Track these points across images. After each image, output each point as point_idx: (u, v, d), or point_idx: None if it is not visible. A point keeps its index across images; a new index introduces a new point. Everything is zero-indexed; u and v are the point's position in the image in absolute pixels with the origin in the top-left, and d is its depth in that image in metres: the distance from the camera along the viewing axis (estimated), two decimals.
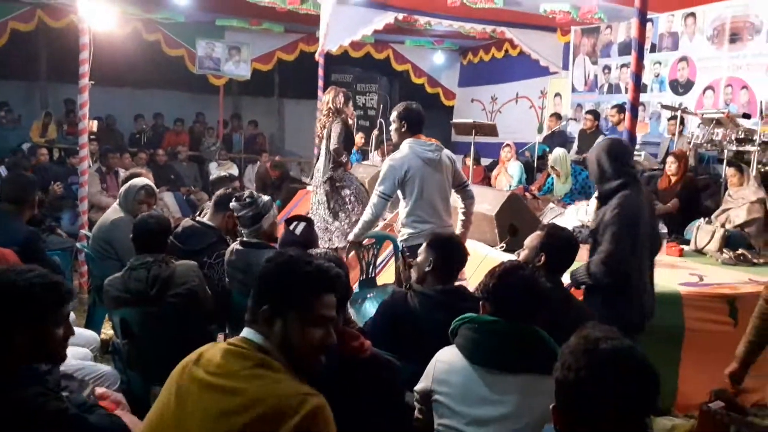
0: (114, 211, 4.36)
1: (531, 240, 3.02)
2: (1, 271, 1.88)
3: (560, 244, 2.97)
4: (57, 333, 1.86)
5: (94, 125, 6.30)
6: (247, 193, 3.71)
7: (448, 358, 2.13)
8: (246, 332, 1.72)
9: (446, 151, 4.18)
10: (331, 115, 5.47)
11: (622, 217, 3.05)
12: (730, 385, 2.75)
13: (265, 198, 3.70)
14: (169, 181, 9.18)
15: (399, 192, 4.07)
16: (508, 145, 8.30)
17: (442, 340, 2.21)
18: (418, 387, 2.18)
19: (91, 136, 6.60)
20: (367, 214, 4.13)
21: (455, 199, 4.29)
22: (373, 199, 4.07)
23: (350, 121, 5.57)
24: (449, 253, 2.81)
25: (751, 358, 2.73)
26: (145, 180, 4.53)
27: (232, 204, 3.66)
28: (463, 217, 4.28)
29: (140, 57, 10.92)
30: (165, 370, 1.78)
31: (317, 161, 5.68)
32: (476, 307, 2.25)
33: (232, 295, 3.50)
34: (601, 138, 3.73)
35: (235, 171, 10.38)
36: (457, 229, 4.22)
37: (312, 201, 5.65)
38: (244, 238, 3.57)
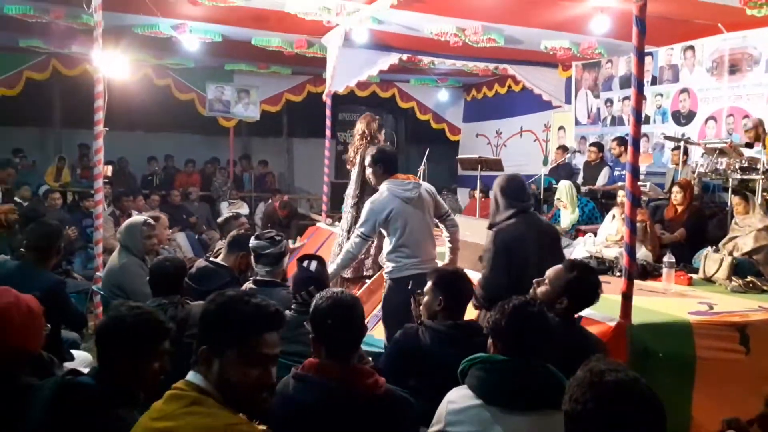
0: (120, 255, 4.36)
1: (557, 277, 2.86)
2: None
3: (586, 288, 2.88)
4: (153, 366, 2.06)
5: (109, 170, 6.45)
6: (272, 233, 3.80)
7: (459, 398, 2.16)
8: (189, 374, 1.79)
9: (425, 186, 4.33)
10: (364, 141, 5.57)
11: (497, 245, 3.53)
12: (760, 429, 2.69)
13: (286, 239, 3.80)
14: (182, 222, 9.31)
15: (383, 230, 4.21)
16: None
17: (455, 376, 2.25)
18: (431, 430, 2.20)
19: (105, 180, 6.74)
20: (346, 253, 4.23)
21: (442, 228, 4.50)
22: (354, 239, 4.19)
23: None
24: (457, 289, 2.87)
25: None
26: (141, 216, 4.59)
27: (254, 243, 3.71)
28: (450, 245, 4.48)
29: (151, 101, 11.16)
30: None
31: (349, 188, 5.74)
32: (486, 342, 2.29)
33: None
34: (501, 175, 3.99)
35: (245, 210, 10.51)
36: (446, 257, 4.41)
37: (340, 227, 5.71)
38: (258, 278, 3.64)
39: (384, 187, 4.18)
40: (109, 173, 6.55)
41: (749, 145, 6.54)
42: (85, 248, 7.17)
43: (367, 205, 4.22)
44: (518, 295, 2.91)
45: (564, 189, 7.16)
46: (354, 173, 5.68)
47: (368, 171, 4.34)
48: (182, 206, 9.90)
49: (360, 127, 5.67)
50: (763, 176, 6.02)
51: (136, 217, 4.58)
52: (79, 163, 11.06)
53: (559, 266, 2.93)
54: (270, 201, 10.60)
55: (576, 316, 3.82)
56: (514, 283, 3.28)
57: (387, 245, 4.24)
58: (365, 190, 5.41)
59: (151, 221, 4.51)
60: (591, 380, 1.38)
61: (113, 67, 6.12)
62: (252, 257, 3.76)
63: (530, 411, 2.04)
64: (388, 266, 4.22)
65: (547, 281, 2.91)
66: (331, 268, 4.13)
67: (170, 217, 7.38)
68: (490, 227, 3.71)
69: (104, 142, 6.02)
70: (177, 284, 3.36)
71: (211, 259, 4.12)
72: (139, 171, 11.94)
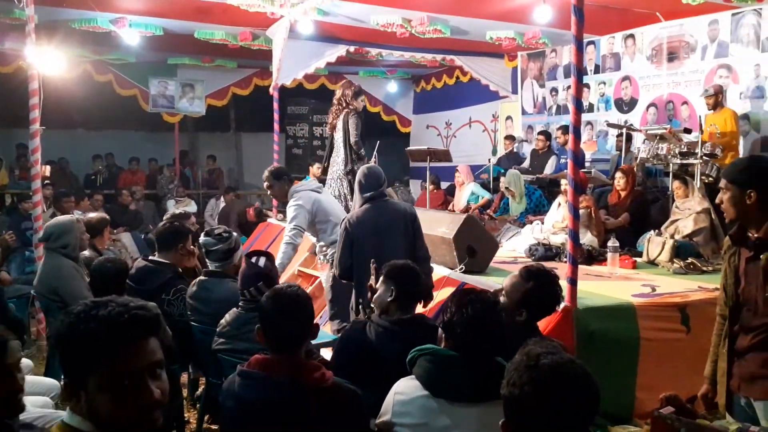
0: (50, 259, 4.20)
1: (515, 290, 2.75)
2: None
3: (543, 295, 2.78)
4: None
5: (47, 170, 6.22)
6: (220, 229, 3.78)
7: (406, 389, 2.16)
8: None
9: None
10: (340, 106, 6.06)
11: (342, 230, 4.12)
12: (703, 407, 2.78)
13: (235, 235, 3.82)
14: (130, 222, 9.08)
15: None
16: (457, 170, 8.50)
17: (401, 370, 2.24)
18: (379, 420, 2.20)
19: (45, 181, 6.50)
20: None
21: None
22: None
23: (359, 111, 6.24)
24: (409, 280, 2.87)
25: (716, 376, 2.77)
26: (68, 216, 4.47)
27: (203, 239, 3.73)
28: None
29: (92, 98, 10.83)
30: None
31: (329, 156, 6.30)
32: (434, 336, 2.29)
33: (193, 332, 3.49)
34: (361, 168, 4.53)
35: (193, 207, 10.30)
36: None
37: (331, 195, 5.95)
38: (210, 269, 3.63)
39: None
40: (48, 173, 6.31)
41: (688, 131, 6.74)
42: (22, 251, 6.91)
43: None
44: (361, 265, 3.77)
45: (512, 177, 7.25)
46: (337, 139, 6.12)
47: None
48: (127, 205, 9.65)
49: (338, 93, 6.19)
50: (701, 160, 6.21)
51: (64, 217, 4.42)
52: (17, 164, 10.66)
53: (516, 275, 2.79)
54: (223, 199, 10.47)
55: None
56: (358, 262, 3.97)
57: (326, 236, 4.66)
58: (352, 154, 5.94)
59: (83, 217, 4.41)
60: (527, 364, 1.40)
61: (49, 63, 5.90)
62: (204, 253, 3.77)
63: (477, 402, 2.05)
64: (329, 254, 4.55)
65: (504, 293, 2.78)
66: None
67: (117, 218, 7.20)
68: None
69: (43, 141, 5.82)
70: (119, 285, 3.28)
71: (150, 257, 4.03)
72: (82, 170, 11.58)
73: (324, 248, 4.98)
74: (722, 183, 2.62)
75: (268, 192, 4.89)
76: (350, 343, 2.79)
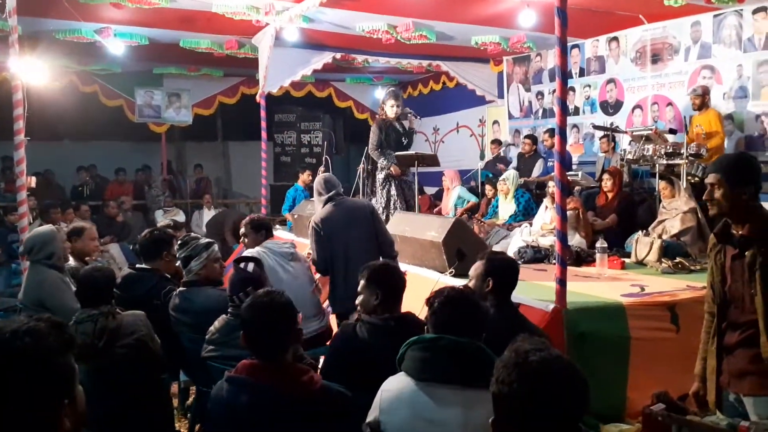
0: (35, 272, 4.08)
1: (475, 269, 3.10)
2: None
3: (503, 267, 3.08)
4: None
5: (33, 181, 6.15)
6: (184, 236, 3.77)
7: (394, 386, 2.16)
8: None
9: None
10: (378, 115, 6.42)
11: (313, 227, 4.52)
12: (695, 404, 2.79)
13: (203, 241, 3.78)
14: (118, 233, 9.03)
15: None
16: (443, 174, 8.54)
17: (394, 368, 2.25)
18: (368, 420, 2.20)
19: (29, 192, 6.43)
20: None
21: None
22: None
23: (389, 117, 6.52)
24: (393, 280, 2.89)
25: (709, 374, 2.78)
26: (47, 226, 4.42)
27: (176, 248, 3.75)
28: None
29: (77, 109, 10.79)
30: (116, 425, 1.75)
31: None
32: (423, 332, 2.30)
33: (182, 341, 3.47)
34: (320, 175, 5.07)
35: (181, 217, 10.26)
36: None
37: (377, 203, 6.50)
38: (187, 279, 3.64)
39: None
40: (33, 185, 6.25)
41: (673, 131, 6.80)
42: (9, 264, 6.85)
43: None
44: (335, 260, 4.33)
45: (512, 175, 7.37)
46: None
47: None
48: (114, 216, 9.59)
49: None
50: (687, 160, 6.26)
51: (43, 227, 4.33)
52: (3, 177, 10.57)
53: (476, 262, 3.12)
54: (213, 210, 10.46)
55: (515, 304, 3.89)
56: (332, 255, 4.41)
57: None
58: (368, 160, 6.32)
59: (61, 226, 4.38)
60: (516, 361, 1.40)
61: (33, 74, 5.86)
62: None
63: (460, 386, 2.05)
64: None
65: (470, 278, 3.08)
66: None
67: (105, 228, 7.15)
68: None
69: (28, 152, 5.76)
70: (107, 294, 3.24)
71: (137, 266, 4.02)
72: (68, 182, 11.50)
73: None
74: (713, 178, 2.61)
75: (242, 238, 4.66)
76: (342, 344, 2.79)
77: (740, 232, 2.58)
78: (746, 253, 2.53)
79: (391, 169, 6.58)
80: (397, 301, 2.87)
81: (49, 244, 4.10)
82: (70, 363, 1.44)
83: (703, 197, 2.69)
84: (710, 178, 2.63)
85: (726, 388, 2.68)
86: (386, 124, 6.58)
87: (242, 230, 4.58)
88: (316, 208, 4.78)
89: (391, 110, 6.53)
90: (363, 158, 8.60)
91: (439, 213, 8.31)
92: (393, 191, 6.61)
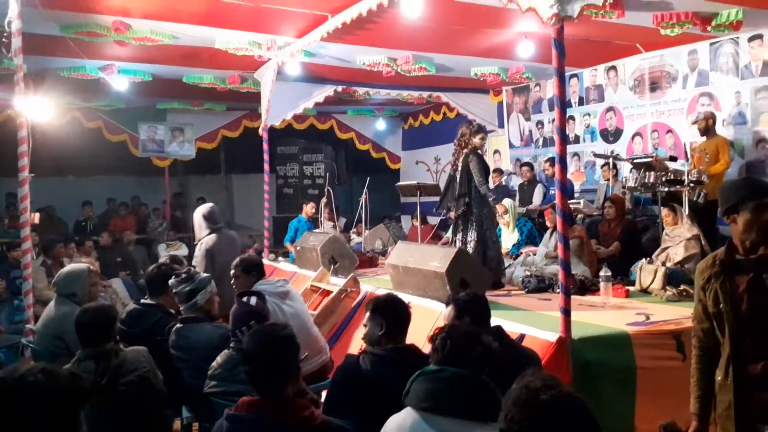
0: (58, 305, 4.20)
1: (447, 316, 3.10)
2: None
3: (471, 302, 3.10)
4: None
5: (36, 217, 6.19)
6: (184, 269, 3.76)
7: (398, 420, 2.15)
8: None
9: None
10: (461, 147, 6.08)
11: (204, 252, 5.40)
12: None
13: (204, 275, 3.79)
14: (117, 267, 9.03)
15: None
16: None
17: (398, 399, 2.23)
18: None
19: (32, 229, 6.44)
20: None
21: None
22: None
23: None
24: (397, 311, 2.88)
25: (707, 411, 2.68)
26: (83, 264, 4.46)
27: (171, 281, 3.74)
28: None
29: (81, 145, 10.87)
30: None
31: (445, 194, 6.32)
32: (428, 364, 2.29)
33: (183, 377, 3.45)
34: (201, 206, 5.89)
35: (184, 251, 10.25)
36: None
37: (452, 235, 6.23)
38: (183, 315, 3.64)
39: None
40: (37, 220, 6.28)
41: (673, 158, 6.82)
42: (11, 301, 6.83)
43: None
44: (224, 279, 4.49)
45: (508, 206, 7.31)
46: (458, 178, 6.12)
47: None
48: (117, 250, 9.60)
49: (458, 133, 6.20)
50: (688, 187, 6.27)
51: (79, 264, 4.44)
52: (7, 213, 10.61)
53: (445, 310, 3.14)
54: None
55: (519, 334, 3.87)
56: (219, 273, 4.83)
57: None
58: (472, 194, 5.96)
59: (94, 268, 4.41)
60: (526, 399, 1.38)
61: (37, 111, 5.93)
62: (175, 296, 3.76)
63: (462, 418, 2.03)
64: None
65: (445, 321, 3.05)
66: None
67: (104, 263, 7.15)
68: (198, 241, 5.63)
69: (33, 189, 5.81)
70: (105, 333, 3.21)
71: (141, 301, 4.02)
72: (71, 217, 11.53)
73: None
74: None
75: (233, 281, 4.50)
76: (344, 376, 2.77)
77: (751, 256, 2.48)
78: (764, 275, 2.44)
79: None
80: (401, 332, 2.86)
81: (74, 283, 4.20)
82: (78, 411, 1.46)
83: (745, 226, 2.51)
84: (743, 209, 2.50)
85: (757, 424, 2.52)
86: (481, 156, 6.21)
87: (232, 272, 4.43)
88: (199, 233, 5.66)
89: (480, 142, 6.14)
90: (365, 189, 8.61)
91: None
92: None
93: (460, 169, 6.08)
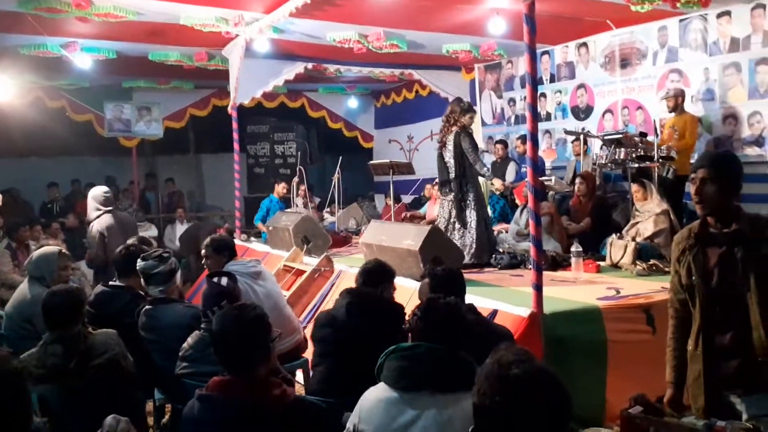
0: (30, 288, 4.11)
1: (422, 291, 3.16)
2: None
3: (448, 278, 3.15)
4: None
5: None
6: (158, 251, 3.70)
7: (372, 395, 2.15)
8: None
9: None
10: (449, 124, 5.99)
11: (99, 232, 5.65)
12: (671, 410, 2.67)
13: (171, 256, 3.75)
14: (84, 249, 8.85)
15: None
16: (432, 184, 8.54)
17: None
18: (347, 427, 2.17)
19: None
20: None
21: None
22: None
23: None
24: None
25: (682, 379, 2.72)
26: (54, 247, 4.37)
27: (141, 264, 3.66)
28: None
29: (45, 125, 10.58)
30: None
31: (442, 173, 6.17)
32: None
33: (154, 359, 3.40)
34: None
35: (153, 232, 10.11)
36: None
37: (441, 216, 6.14)
38: (153, 296, 3.58)
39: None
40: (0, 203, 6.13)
41: (643, 135, 6.88)
42: None
43: None
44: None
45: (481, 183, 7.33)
46: (447, 158, 6.04)
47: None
48: (84, 232, 9.41)
49: (447, 110, 6.12)
50: (658, 163, 6.34)
51: (50, 248, 4.34)
52: None
53: (420, 283, 3.24)
54: (186, 223, 10.33)
55: (491, 310, 3.89)
56: (109, 254, 5.16)
57: None
58: (467, 175, 5.88)
59: (66, 251, 4.32)
60: (498, 373, 1.38)
61: None
62: (142, 279, 3.69)
63: (436, 392, 2.04)
64: None
65: (420, 296, 3.14)
66: None
67: (73, 245, 7.02)
68: (88, 222, 5.89)
69: None
70: (72, 317, 3.14)
71: (110, 282, 3.95)
72: (37, 199, 11.26)
73: None
74: (705, 173, 2.50)
75: (203, 261, 4.43)
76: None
77: (725, 230, 2.52)
78: (736, 249, 2.47)
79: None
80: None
81: (44, 267, 4.08)
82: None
83: (692, 195, 2.57)
84: (701, 173, 2.52)
85: (722, 392, 2.59)
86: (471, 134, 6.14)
87: (203, 251, 4.35)
88: (91, 215, 5.83)
89: (470, 121, 6.07)
90: (337, 168, 8.56)
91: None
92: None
93: (449, 148, 6.00)
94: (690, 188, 2.61)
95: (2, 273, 6.21)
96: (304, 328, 4.61)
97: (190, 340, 3.10)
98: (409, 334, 2.30)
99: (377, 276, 3.49)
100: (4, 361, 1.54)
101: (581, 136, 7.58)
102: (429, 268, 3.28)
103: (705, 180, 2.50)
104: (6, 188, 10.20)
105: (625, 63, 7.90)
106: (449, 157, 6.01)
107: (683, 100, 6.78)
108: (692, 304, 2.64)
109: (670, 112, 6.82)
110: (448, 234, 5.81)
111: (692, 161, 5.46)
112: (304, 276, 5.97)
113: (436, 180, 8.52)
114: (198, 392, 2.12)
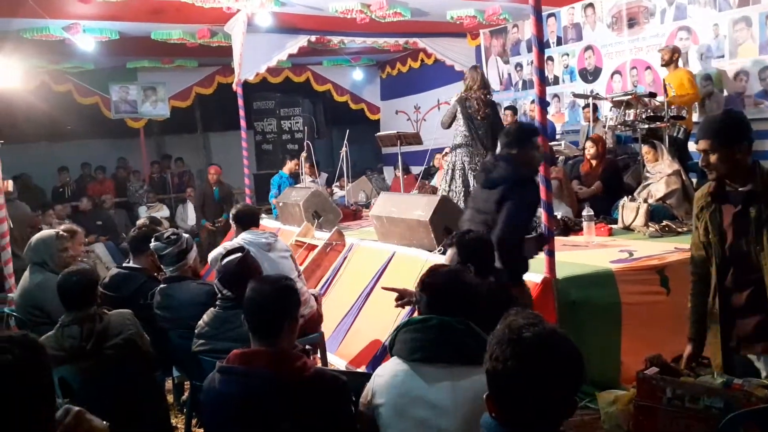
0: (33, 274, 4.10)
1: (450, 258, 3.01)
2: None
3: (477, 247, 2.98)
4: None
5: (10, 185, 6.06)
6: (168, 231, 3.72)
7: (386, 370, 2.15)
8: None
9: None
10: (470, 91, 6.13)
11: None
12: (690, 365, 2.71)
13: (186, 235, 3.78)
14: (99, 232, 8.93)
15: None
16: (439, 153, 8.50)
17: None
18: (361, 402, 2.18)
19: (9, 197, 6.30)
20: None
21: None
22: None
23: (474, 99, 6.12)
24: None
25: (701, 336, 2.74)
26: (51, 230, 4.38)
27: (154, 244, 3.70)
28: None
29: (52, 109, 10.59)
30: (112, 426, 1.73)
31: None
32: None
33: (171, 338, 3.44)
34: None
35: (165, 212, 10.16)
36: None
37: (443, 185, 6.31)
38: (167, 275, 3.62)
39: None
40: (11, 188, 6.15)
41: (653, 95, 6.78)
42: None
43: None
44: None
45: None
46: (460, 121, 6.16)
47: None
48: (97, 215, 9.49)
49: (466, 76, 6.30)
50: (667, 123, 6.26)
51: (47, 231, 4.34)
52: None
53: (448, 251, 3.08)
54: (193, 201, 10.38)
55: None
56: None
57: None
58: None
59: (64, 233, 4.29)
60: (509, 337, 1.37)
61: (3, 76, 5.75)
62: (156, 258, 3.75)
63: (450, 364, 2.04)
64: None
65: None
66: None
67: (84, 227, 7.05)
68: None
69: (3, 156, 5.68)
70: (89, 297, 3.18)
71: (124, 264, 3.98)
72: (48, 183, 11.33)
73: None
74: (705, 144, 2.52)
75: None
76: None
77: (740, 189, 2.52)
78: (750, 209, 2.47)
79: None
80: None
81: (43, 251, 4.08)
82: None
83: (700, 164, 2.60)
84: (701, 145, 2.54)
85: (737, 351, 2.61)
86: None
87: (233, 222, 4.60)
88: None
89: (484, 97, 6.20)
90: (345, 141, 8.51)
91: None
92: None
93: (481, 117, 6.07)
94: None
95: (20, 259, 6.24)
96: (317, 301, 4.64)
97: (205, 317, 3.13)
98: (417, 308, 2.29)
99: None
100: (28, 340, 1.58)
101: (590, 101, 7.49)
102: (457, 236, 3.08)
103: (707, 151, 2.52)
104: (17, 174, 10.27)
105: (632, 22, 7.75)
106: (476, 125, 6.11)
107: (678, 57, 6.68)
108: (710, 263, 2.65)
109: (663, 65, 6.73)
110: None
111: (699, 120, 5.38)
112: (317, 250, 5.99)
113: (446, 149, 8.50)
114: (219, 364, 2.15)
